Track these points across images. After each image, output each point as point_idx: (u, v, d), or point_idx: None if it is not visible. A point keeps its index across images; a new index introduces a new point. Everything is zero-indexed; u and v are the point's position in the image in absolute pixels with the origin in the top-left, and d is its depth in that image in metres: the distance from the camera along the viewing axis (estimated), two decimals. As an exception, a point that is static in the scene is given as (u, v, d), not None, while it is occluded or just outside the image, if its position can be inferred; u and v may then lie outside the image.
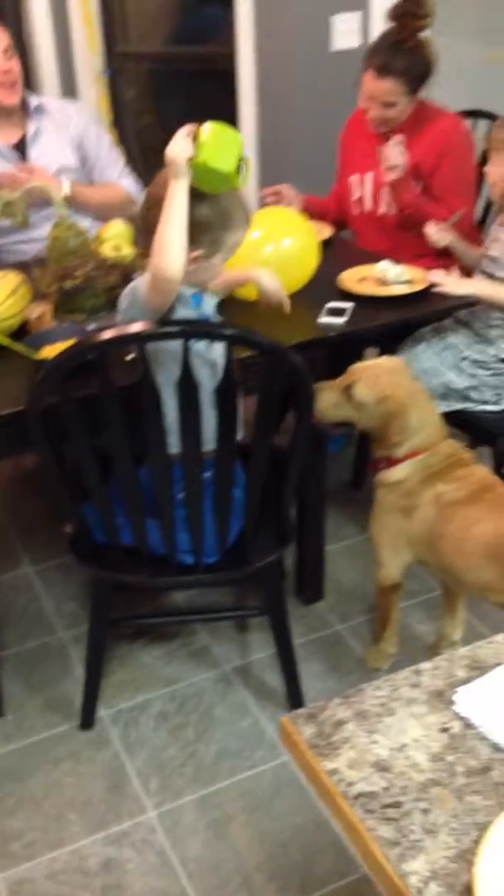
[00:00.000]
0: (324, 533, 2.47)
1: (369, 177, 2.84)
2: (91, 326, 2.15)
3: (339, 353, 2.27)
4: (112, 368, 1.72)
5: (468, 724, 0.98)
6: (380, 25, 2.84)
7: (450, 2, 3.62)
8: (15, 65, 2.76)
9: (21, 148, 2.86)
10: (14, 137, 2.86)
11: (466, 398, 2.48)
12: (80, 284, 2.24)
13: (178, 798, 2.02)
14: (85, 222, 2.68)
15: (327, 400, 2.04)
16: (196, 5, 3.92)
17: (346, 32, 3.35)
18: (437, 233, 2.53)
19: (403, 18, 2.62)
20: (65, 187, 2.76)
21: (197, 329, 1.74)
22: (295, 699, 2.20)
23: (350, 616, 2.51)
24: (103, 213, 2.79)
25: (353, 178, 2.88)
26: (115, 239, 2.38)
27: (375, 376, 2.03)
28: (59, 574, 2.69)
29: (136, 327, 1.70)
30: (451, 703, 1.01)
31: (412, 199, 2.68)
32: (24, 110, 2.86)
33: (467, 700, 1.00)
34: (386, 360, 2.11)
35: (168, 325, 1.73)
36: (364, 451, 2.97)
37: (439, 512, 1.99)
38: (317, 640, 2.43)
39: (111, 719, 2.22)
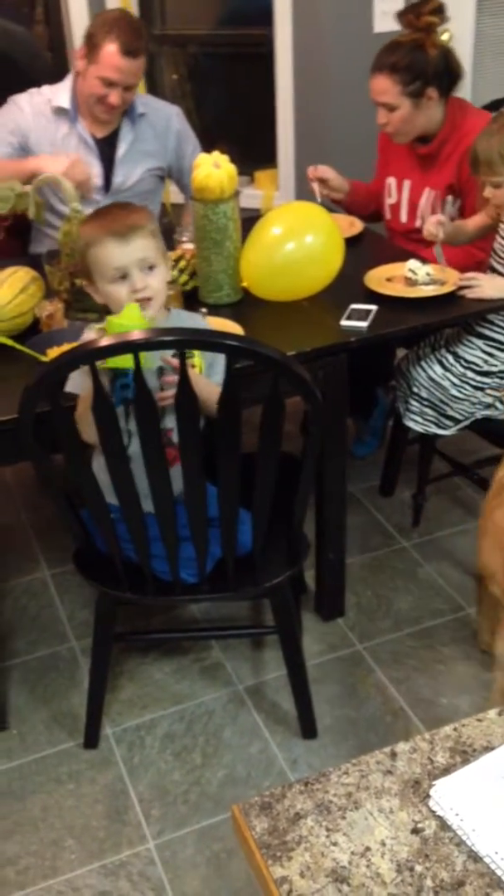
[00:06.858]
0: (345, 544, 2.33)
1: (406, 186, 2.66)
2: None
3: (362, 356, 2.13)
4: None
5: (444, 825, 0.85)
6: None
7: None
8: (131, 95, 2.65)
9: (110, 143, 2.75)
10: (104, 131, 2.75)
11: (491, 406, 2.37)
12: (92, 282, 2.13)
13: (179, 828, 1.92)
14: None
15: None
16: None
17: (389, 14, 3.16)
18: (434, 227, 2.31)
19: (405, 16, 2.46)
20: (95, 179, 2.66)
21: (195, 338, 1.62)
22: (307, 726, 2.08)
23: (371, 635, 2.37)
24: None
25: (390, 181, 2.71)
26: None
27: None
28: (76, 579, 2.58)
29: (133, 335, 1.59)
30: (428, 796, 0.87)
31: (459, 257, 2.46)
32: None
33: (445, 794, 0.86)
34: None
35: (165, 334, 1.62)
36: (396, 454, 2.82)
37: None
38: (335, 659, 2.30)
39: (116, 738, 2.13)
